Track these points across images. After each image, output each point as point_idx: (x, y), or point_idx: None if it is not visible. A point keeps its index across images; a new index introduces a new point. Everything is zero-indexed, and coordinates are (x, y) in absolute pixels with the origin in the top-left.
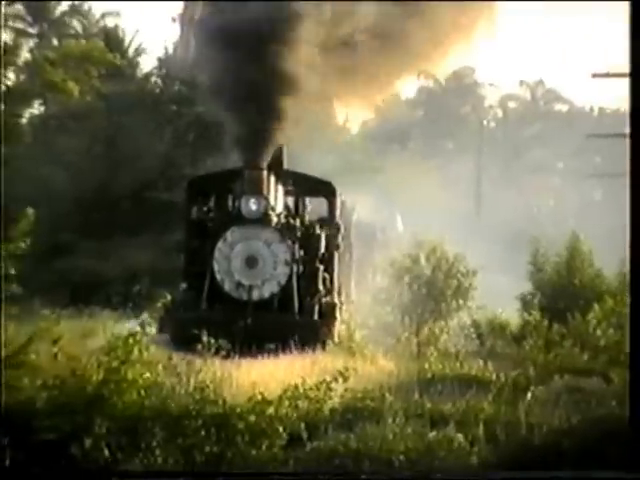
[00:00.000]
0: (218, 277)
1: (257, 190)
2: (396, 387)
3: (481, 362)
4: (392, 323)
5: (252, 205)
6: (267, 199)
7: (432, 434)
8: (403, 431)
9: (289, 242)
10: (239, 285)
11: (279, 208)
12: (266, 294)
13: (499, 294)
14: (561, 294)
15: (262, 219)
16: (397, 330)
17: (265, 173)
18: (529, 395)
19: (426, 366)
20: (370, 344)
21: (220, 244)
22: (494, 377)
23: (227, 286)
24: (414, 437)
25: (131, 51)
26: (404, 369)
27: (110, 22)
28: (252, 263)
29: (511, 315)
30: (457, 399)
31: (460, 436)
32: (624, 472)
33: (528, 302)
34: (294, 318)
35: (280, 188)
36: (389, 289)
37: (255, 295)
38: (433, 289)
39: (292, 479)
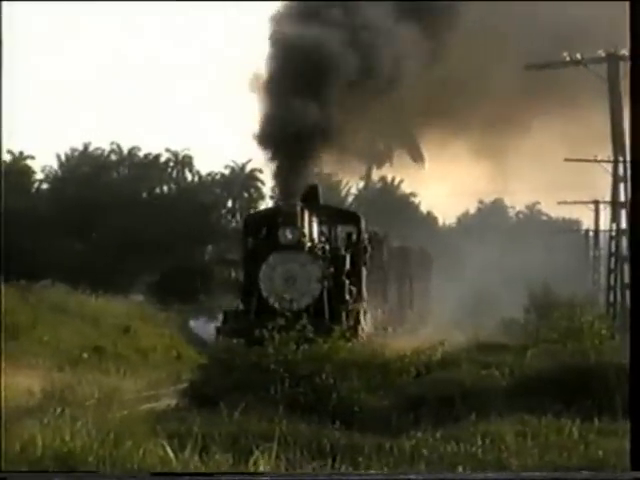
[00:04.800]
0: (264, 294)
1: (292, 222)
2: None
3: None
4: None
5: (288, 234)
6: (300, 229)
7: (483, 372)
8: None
9: (320, 262)
10: (281, 299)
11: (314, 235)
12: (303, 305)
13: None
14: None
15: (297, 245)
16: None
17: (299, 208)
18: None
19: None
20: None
21: (264, 267)
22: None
23: (271, 300)
24: (472, 373)
25: None
26: (465, 339)
27: None
28: (290, 281)
29: None
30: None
31: (497, 373)
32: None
33: None
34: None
35: (315, 219)
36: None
37: (294, 306)
38: None
39: (292, 479)
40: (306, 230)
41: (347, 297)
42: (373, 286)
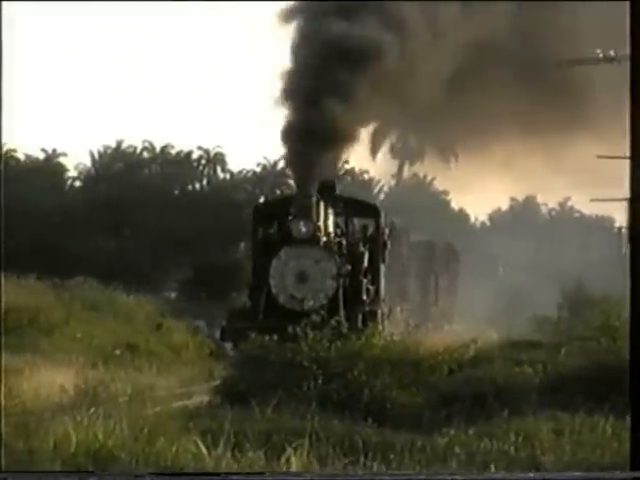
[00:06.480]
0: (274, 291)
1: (306, 214)
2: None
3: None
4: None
5: (302, 227)
6: (315, 222)
7: (516, 369)
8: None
9: (336, 259)
10: (292, 297)
11: (330, 229)
12: (316, 305)
13: None
14: None
15: (311, 239)
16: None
17: (314, 199)
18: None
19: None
20: None
21: (275, 262)
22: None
23: (281, 298)
24: (505, 370)
25: None
26: (497, 336)
27: None
28: (303, 278)
29: None
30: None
31: (530, 370)
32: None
33: None
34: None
35: (331, 211)
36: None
37: (306, 306)
38: None
39: (292, 479)
40: (321, 223)
41: (364, 297)
42: (391, 282)
